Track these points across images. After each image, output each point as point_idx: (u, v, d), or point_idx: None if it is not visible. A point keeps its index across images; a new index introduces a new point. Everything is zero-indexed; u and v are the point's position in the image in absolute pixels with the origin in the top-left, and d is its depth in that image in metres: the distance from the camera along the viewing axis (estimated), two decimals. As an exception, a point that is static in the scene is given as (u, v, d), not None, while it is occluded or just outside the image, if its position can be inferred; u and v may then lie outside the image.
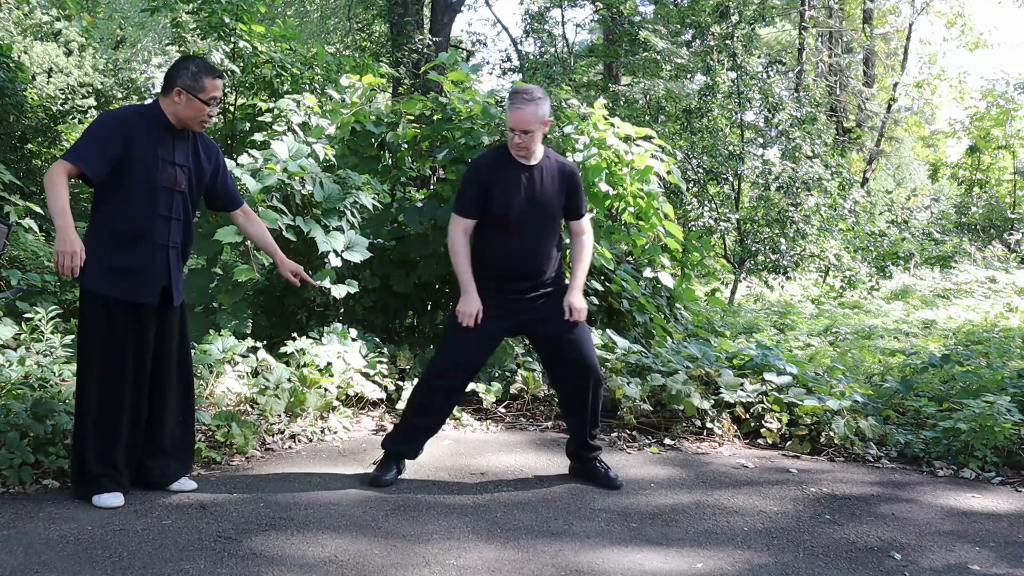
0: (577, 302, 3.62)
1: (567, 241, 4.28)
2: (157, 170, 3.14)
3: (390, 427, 4.51)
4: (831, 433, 4.47)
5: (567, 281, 3.75)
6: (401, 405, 4.69)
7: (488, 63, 22.32)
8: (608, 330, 5.28)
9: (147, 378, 3.27)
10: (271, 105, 5.58)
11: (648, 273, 5.79)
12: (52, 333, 4.49)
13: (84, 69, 13.60)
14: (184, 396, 3.42)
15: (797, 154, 12.70)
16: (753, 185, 13.15)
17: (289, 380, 4.34)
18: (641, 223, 5.80)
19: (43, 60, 12.83)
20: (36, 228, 5.77)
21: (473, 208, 3.57)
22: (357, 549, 2.93)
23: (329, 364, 4.47)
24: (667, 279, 5.85)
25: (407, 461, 3.75)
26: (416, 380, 3.74)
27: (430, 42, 15.22)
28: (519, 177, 3.58)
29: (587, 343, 3.68)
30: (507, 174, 3.58)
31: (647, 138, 5.78)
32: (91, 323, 3.18)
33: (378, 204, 5.31)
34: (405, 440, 3.67)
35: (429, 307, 5.71)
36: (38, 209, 5.75)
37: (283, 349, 4.55)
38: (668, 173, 5.78)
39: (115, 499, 3.18)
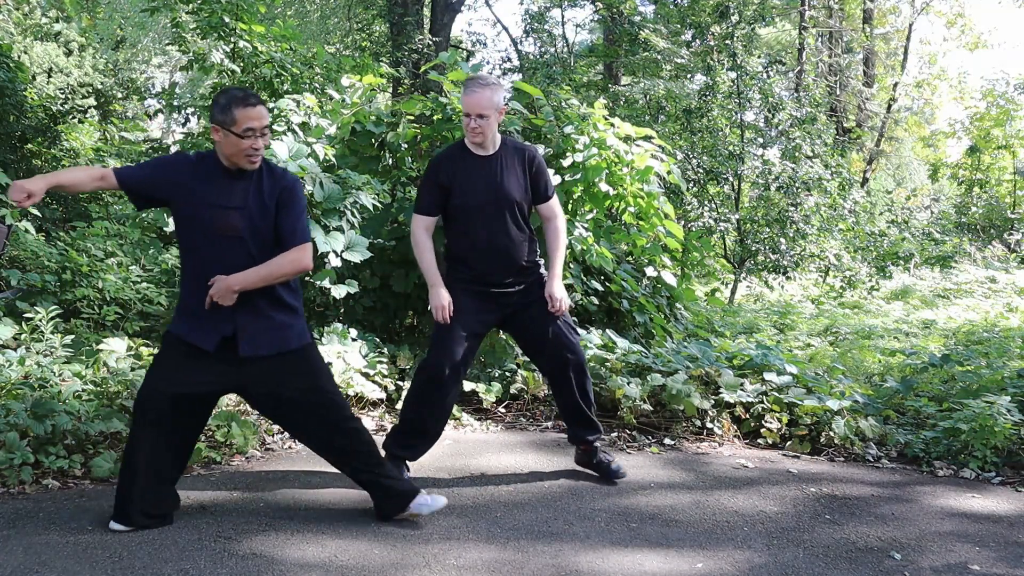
0: (557, 292, 3.62)
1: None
2: (210, 216, 2.97)
3: (390, 427, 4.51)
4: (831, 433, 4.47)
5: (543, 270, 3.76)
6: (401, 405, 4.69)
7: (488, 63, 22.31)
8: (608, 330, 5.28)
9: (184, 425, 3.08)
10: (271, 105, 5.58)
11: (650, 272, 5.79)
12: (52, 333, 4.48)
13: (84, 69, 13.61)
14: (337, 449, 3.18)
15: (797, 154, 12.70)
16: (753, 185, 13.15)
17: (289, 380, 4.33)
18: (641, 223, 5.80)
19: (43, 60, 12.84)
20: (34, 230, 5.77)
21: (431, 206, 3.61)
22: (357, 549, 2.93)
23: (329, 364, 4.46)
24: (669, 278, 5.85)
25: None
26: (411, 380, 3.74)
27: (430, 42, 15.21)
28: (478, 169, 3.60)
29: (567, 328, 3.70)
30: (465, 167, 3.60)
31: (647, 138, 5.78)
32: (157, 356, 3.12)
33: (378, 204, 5.31)
34: (405, 446, 3.67)
35: (429, 307, 5.70)
36: (35, 211, 5.75)
37: (283, 349, 4.54)
38: (668, 173, 5.78)
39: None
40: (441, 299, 3.55)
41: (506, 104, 3.67)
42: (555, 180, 5.09)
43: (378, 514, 3.23)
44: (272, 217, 3.02)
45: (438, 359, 3.58)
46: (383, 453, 3.67)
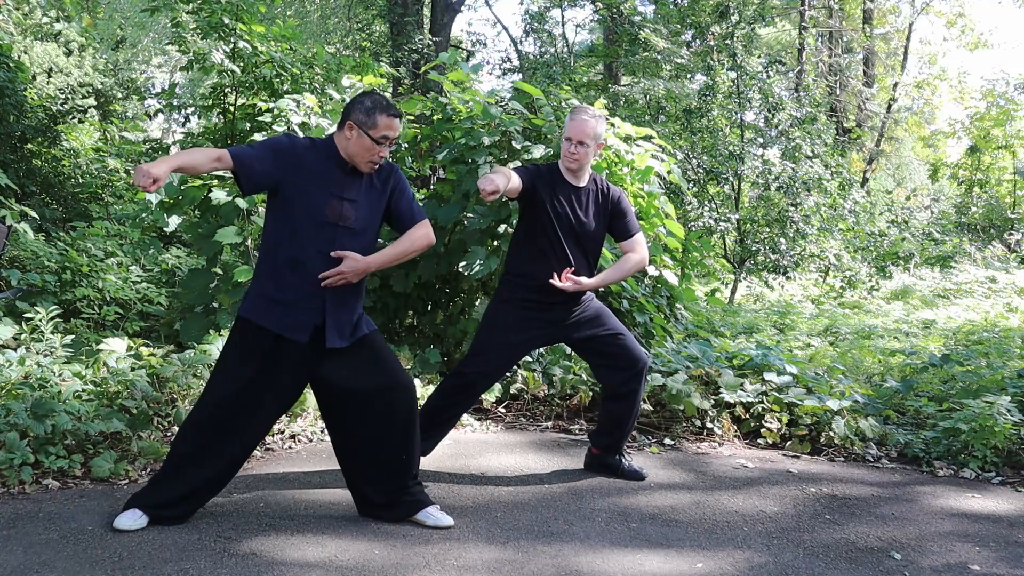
0: (585, 280, 3.62)
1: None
2: (323, 203, 2.97)
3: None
4: (831, 433, 4.47)
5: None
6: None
7: (488, 63, 22.32)
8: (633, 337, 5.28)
9: (258, 420, 3.07)
10: (271, 105, 5.58)
11: (652, 271, 5.79)
12: (52, 333, 4.49)
13: (84, 69, 13.60)
14: (403, 438, 3.15)
15: (797, 154, 12.70)
16: (753, 185, 13.15)
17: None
18: (642, 223, 5.79)
19: (43, 60, 12.83)
20: (32, 232, 5.77)
21: (527, 175, 3.55)
22: (357, 549, 2.93)
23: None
24: (671, 277, 5.85)
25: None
26: (442, 381, 3.76)
27: (430, 42, 15.21)
28: (568, 196, 3.65)
29: (626, 335, 3.74)
30: (557, 191, 3.63)
31: (647, 138, 5.78)
32: (229, 349, 3.05)
33: (378, 204, 5.31)
34: (423, 439, 3.66)
35: (429, 307, 5.70)
36: (33, 213, 5.76)
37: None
38: (669, 173, 5.78)
39: (131, 519, 2.98)
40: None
41: (604, 140, 3.74)
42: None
43: (376, 516, 3.22)
44: (381, 214, 3.10)
45: (475, 369, 3.59)
46: None
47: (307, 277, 2.97)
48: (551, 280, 3.55)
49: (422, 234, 3.13)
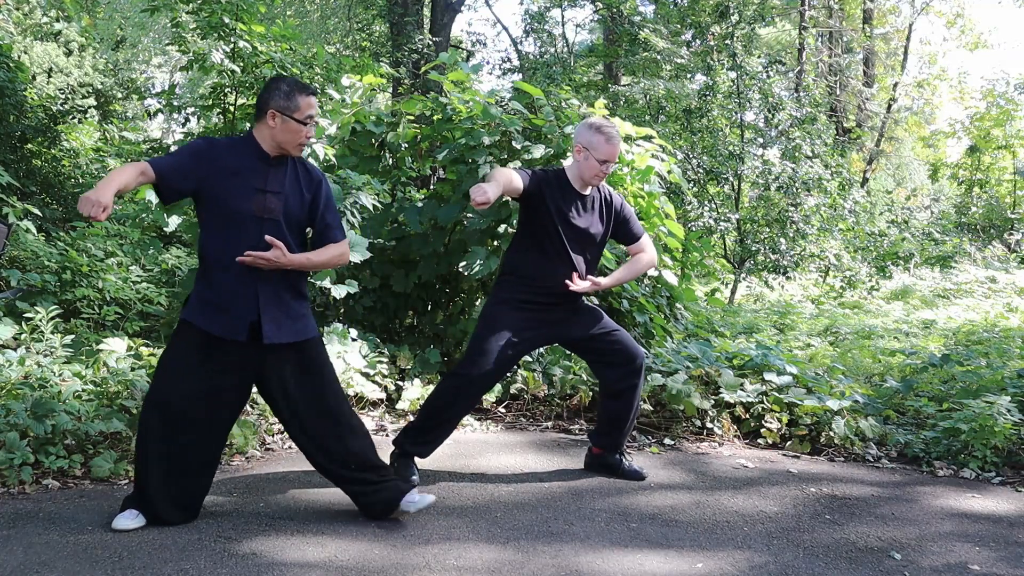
0: (602, 281, 3.66)
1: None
2: (247, 198, 2.96)
3: (390, 427, 4.51)
4: (831, 433, 4.48)
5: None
6: (401, 405, 4.69)
7: (488, 63, 22.30)
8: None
9: (217, 418, 3.07)
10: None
11: (652, 271, 5.79)
12: (52, 333, 4.48)
13: (84, 69, 13.61)
14: (339, 438, 3.14)
15: (797, 154, 12.70)
16: (753, 185, 13.15)
17: (289, 380, 4.33)
18: (642, 223, 5.79)
19: (43, 60, 12.84)
20: (35, 230, 5.77)
21: (531, 179, 3.57)
22: (357, 549, 2.93)
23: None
24: (671, 277, 5.85)
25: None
26: (439, 382, 3.75)
27: (430, 42, 15.20)
28: (575, 203, 3.67)
29: (622, 332, 3.77)
30: (565, 199, 3.65)
31: (647, 138, 5.78)
32: (172, 351, 3.03)
33: (378, 204, 5.31)
34: (419, 443, 3.67)
35: (429, 307, 5.71)
36: (36, 211, 5.75)
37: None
38: (669, 172, 5.78)
39: (128, 519, 3.00)
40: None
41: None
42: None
43: (365, 513, 3.22)
44: (306, 205, 3.09)
45: (474, 370, 3.58)
46: (393, 448, 3.69)
47: (240, 275, 2.97)
48: (567, 282, 3.57)
49: (340, 252, 3.15)
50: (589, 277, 3.65)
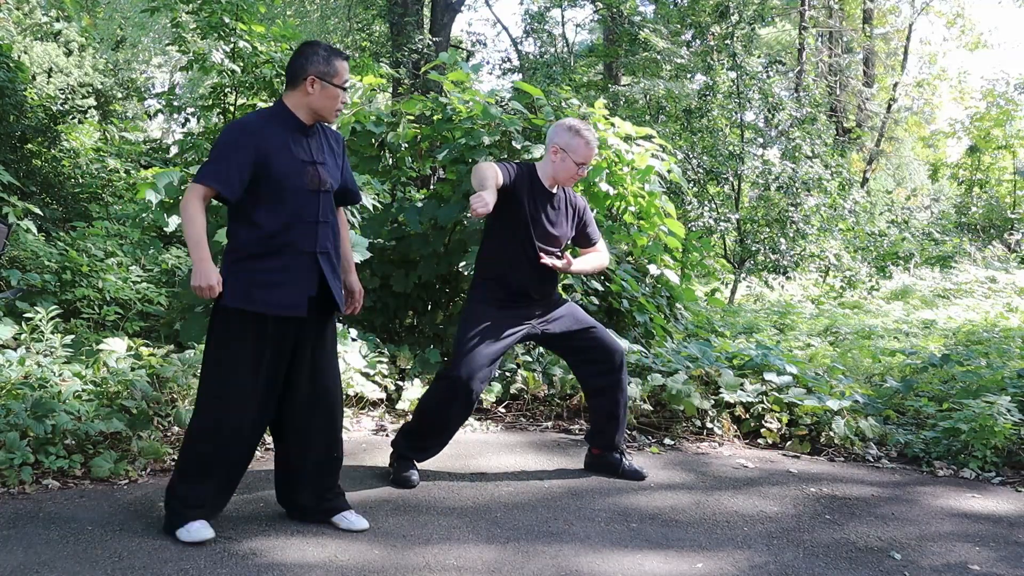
0: (574, 263, 3.73)
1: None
2: (299, 173, 2.90)
3: (390, 427, 4.51)
4: (831, 433, 4.47)
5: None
6: (401, 405, 4.69)
7: (488, 63, 22.30)
8: (608, 330, 5.27)
9: (276, 397, 3.00)
10: (271, 104, 5.58)
11: (653, 271, 5.79)
12: (52, 333, 4.48)
13: (84, 69, 13.61)
14: (335, 419, 3.12)
15: (797, 154, 12.70)
16: (753, 185, 13.15)
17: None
18: (642, 223, 5.80)
19: (43, 60, 12.84)
20: (35, 229, 5.76)
21: (507, 173, 3.56)
22: (357, 549, 2.93)
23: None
24: (672, 277, 5.86)
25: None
26: (430, 385, 3.74)
27: (430, 42, 15.21)
28: (545, 202, 3.68)
29: (599, 328, 3.80)
30: (535, 195, 3.65)
31: (647, 138, 5.78)
32: (222, 340, 2.92)
33: (378, 204, 5.31)
34: (417, 448, 3.67)
35: (429, 307, 5.71)
36: (36, 210, 5.75)
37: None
38: (669, 172, 5.78)
39: (204, 530, 2.90)
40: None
41: None
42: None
43: (300, 513, 3.14)
44: (339, 169, 3.08)
45: (462, 371, 3.56)
46: (391, 450, 3.69)
47: (300, 251, 2.90)
48: (541, 256, 3.59)
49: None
50: (566, 255, 3.71)
